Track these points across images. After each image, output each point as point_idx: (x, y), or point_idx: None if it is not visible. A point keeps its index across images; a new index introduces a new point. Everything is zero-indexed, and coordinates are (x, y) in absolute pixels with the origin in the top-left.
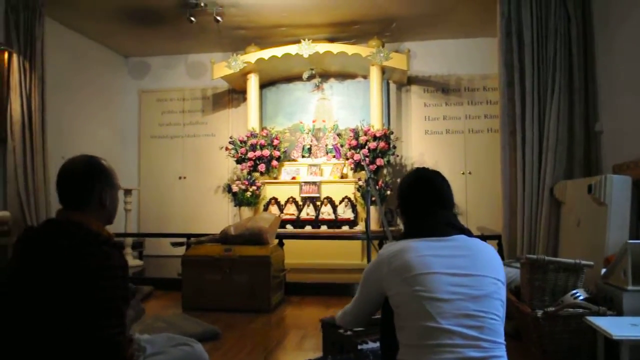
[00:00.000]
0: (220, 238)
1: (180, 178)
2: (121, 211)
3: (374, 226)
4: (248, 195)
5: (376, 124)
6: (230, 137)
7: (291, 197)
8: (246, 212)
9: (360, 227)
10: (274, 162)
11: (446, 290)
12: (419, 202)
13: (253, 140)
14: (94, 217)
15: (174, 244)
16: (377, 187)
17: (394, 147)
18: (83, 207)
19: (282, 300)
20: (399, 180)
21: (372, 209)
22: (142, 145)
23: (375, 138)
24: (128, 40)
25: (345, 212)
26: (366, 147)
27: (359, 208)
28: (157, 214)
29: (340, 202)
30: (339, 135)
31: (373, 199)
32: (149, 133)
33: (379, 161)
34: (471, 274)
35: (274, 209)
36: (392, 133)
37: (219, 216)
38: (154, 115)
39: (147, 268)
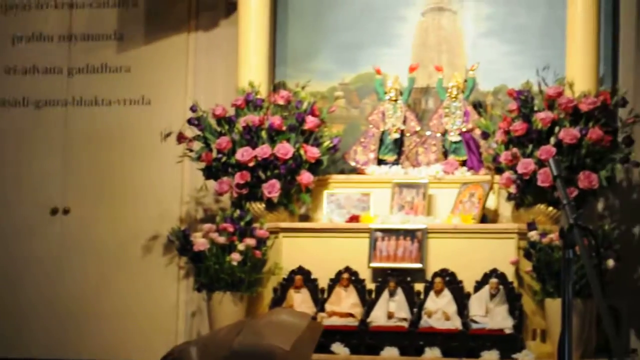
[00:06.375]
0: None
1: (55, 213)
2: None
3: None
4: (233, 264)
5: (581, 79)
6: (193, 108)
7: (347, 268)
8: (227, 305)
9: (529, 354)
10: (305, 176)
11: None
12: None
13: (251, 117)
14: None
15: None
16: (594, 246)
17: (630, 141)
18: None
19: None
20: (636, 228)
21: (579, 306)
22: None
23: (576, 115)
24: None
25: (491, 313)
26: (552, 138)
27: (529, 303)
28: None
29: (478, 287)
30: (478, 107)
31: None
32: None
33: (586, 179)
34: None
35: (301, 299)
36: (624, 103)
37: (156, 314)
38: None
39: None
